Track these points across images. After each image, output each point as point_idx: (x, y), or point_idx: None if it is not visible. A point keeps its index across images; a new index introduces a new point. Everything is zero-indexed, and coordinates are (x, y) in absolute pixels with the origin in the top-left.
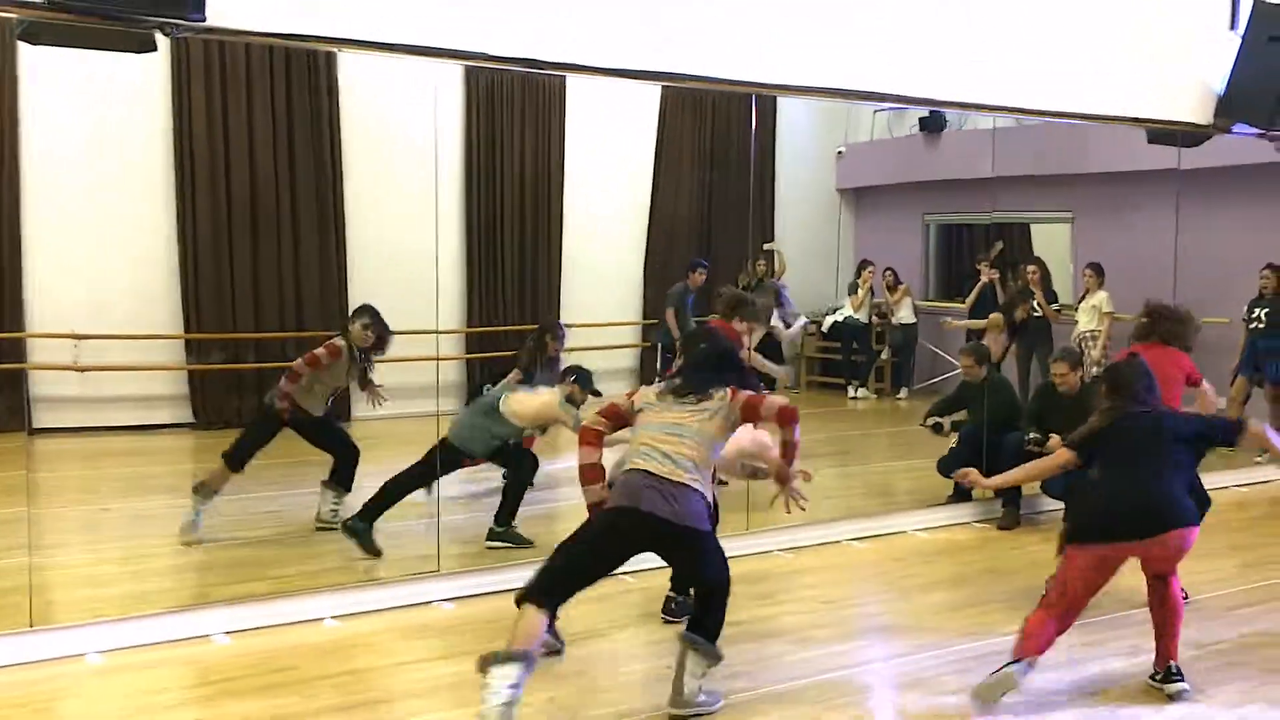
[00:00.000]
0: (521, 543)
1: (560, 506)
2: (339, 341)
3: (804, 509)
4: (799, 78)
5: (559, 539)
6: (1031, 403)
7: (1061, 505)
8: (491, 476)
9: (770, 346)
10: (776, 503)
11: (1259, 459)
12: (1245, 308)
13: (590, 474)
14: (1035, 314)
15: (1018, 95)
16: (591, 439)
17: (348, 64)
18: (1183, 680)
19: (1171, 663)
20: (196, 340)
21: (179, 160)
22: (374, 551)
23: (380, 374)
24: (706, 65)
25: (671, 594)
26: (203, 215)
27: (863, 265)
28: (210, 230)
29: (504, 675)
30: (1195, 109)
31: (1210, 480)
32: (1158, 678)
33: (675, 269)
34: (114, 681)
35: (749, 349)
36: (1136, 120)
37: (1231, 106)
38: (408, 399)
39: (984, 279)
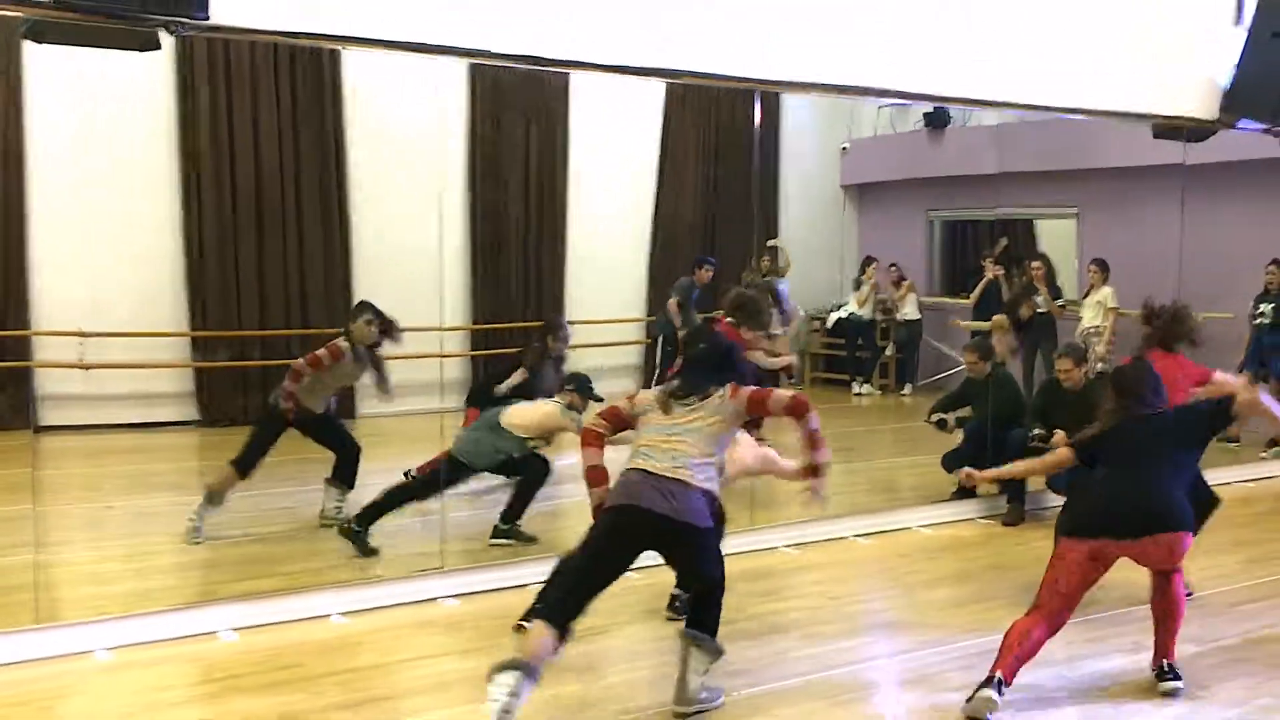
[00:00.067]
0: (525, 540)
1: (563, 504)
2: (341, 343)
3: (823, 506)
4: (803, 74)
5: (562, 536)
6: (1036, 399)
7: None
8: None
9: None
10: (795, 497)
11: (1264, 454)
12: (1251, 303)
13: (594, 476)
14: (1040, 310)
15: (1022, 91)
16: (593, 440)
17: (352, 62)
18: (1178, 679)
19: (1165, 661)
20: (202, 338)
21: (184, 158)
22: (368, 552)
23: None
24: (710, 62)
25: (676, 591)
26: (208, 213)
27: (867, 262)
28: (215, 228)
29: (504, 683)
30: (1200, 104)
31: (1216, 476)
32: (1155, 674)
33: (679, 266)
34: (120, 678)
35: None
36: (1141, 115)
37: (1237, 101)
38: (412, 396)
39: (988, 275)
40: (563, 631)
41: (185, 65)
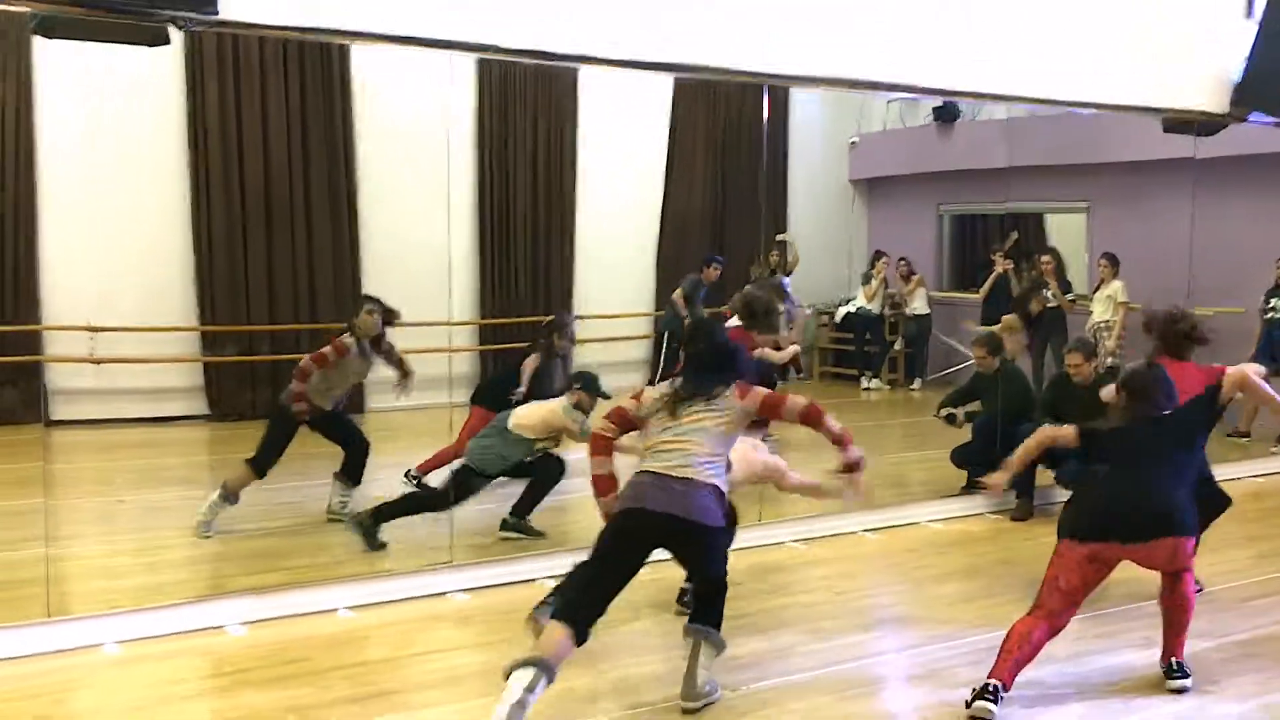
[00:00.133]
0: (534, 535)
1: (571, 499)
2: (346, 339)
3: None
4: (811, 68)
5: (570, 531)
6: (1045, 393)
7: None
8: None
9: None
10: (832, 490)
11: (1275, 449)
12: (1262, 297)
13: (602, 485)
14: (1050, 304)
15: (1031, 85)
16: (602, 448)
17: (361, 57)
18: (1186, 677)
19: (1174, 659)
20: (211, 332)
21: (193, 153)
22: (376, 546)
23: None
24: (718, 56)
25: (686, 585)
26: (217, 208)
27: (876, 256)
28: (224, 223)
29: (520, 678)
30: (1211, 98)
31: (1226, 471)
32: (1163, 671)
33: (687, 260)
34: (130, 672)
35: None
36: (1152, 109)
37: (1248, 95)
38: (421, 391)
39: (998, 269)
40: (579, 633)
41: (194, 60)
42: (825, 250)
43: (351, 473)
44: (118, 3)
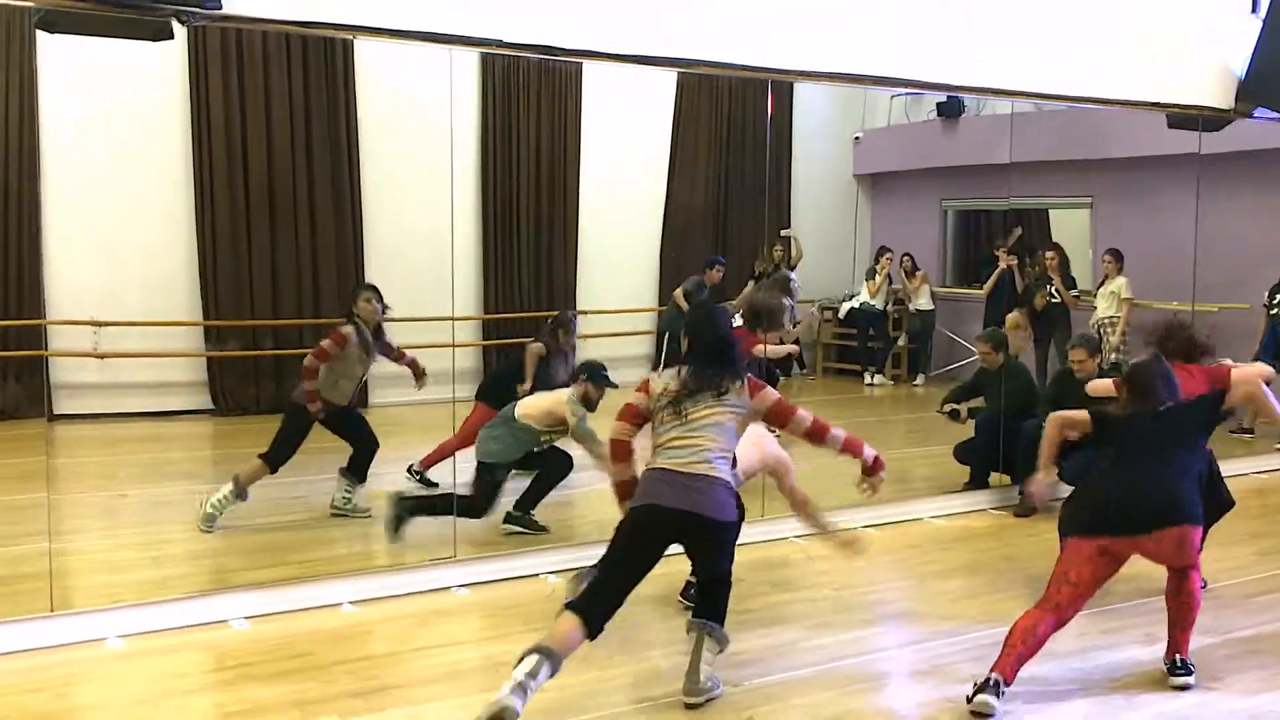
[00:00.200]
0: (537, 529)
1: (575, 494)
2: (344, 329)
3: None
4: (815, 63)
5: (575, 526)
6: (1049, 389)
7: None
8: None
9: None
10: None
11: (1279, 446)
12: (1266, 293)
13: (624, 490)
14: (1054, 300)
15: (1036, 80)
16: (623, 454)
17: (364, 52)
18: (1189, 674)
19: (1178, 655)
20: (215, 327)
21: (197, 148)
22: (396, 537)
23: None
24: (722, 51)
25: (691, 579)
26: (220, 202)
27: (881, 251)
28: (228, 217)
29: (523, 664)
30: (1216, 93)
31: (1230, 468)
32: (1166, 667)
33: (691, 255)
34: (134, 666)
35: (766, 345)
36: (1156, 105)
37: (1253, 91)
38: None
39: (1002, 265)
40: (591, 627)
41: (197, 55)
42: (829, 245)
43: (357, 470)
44: None
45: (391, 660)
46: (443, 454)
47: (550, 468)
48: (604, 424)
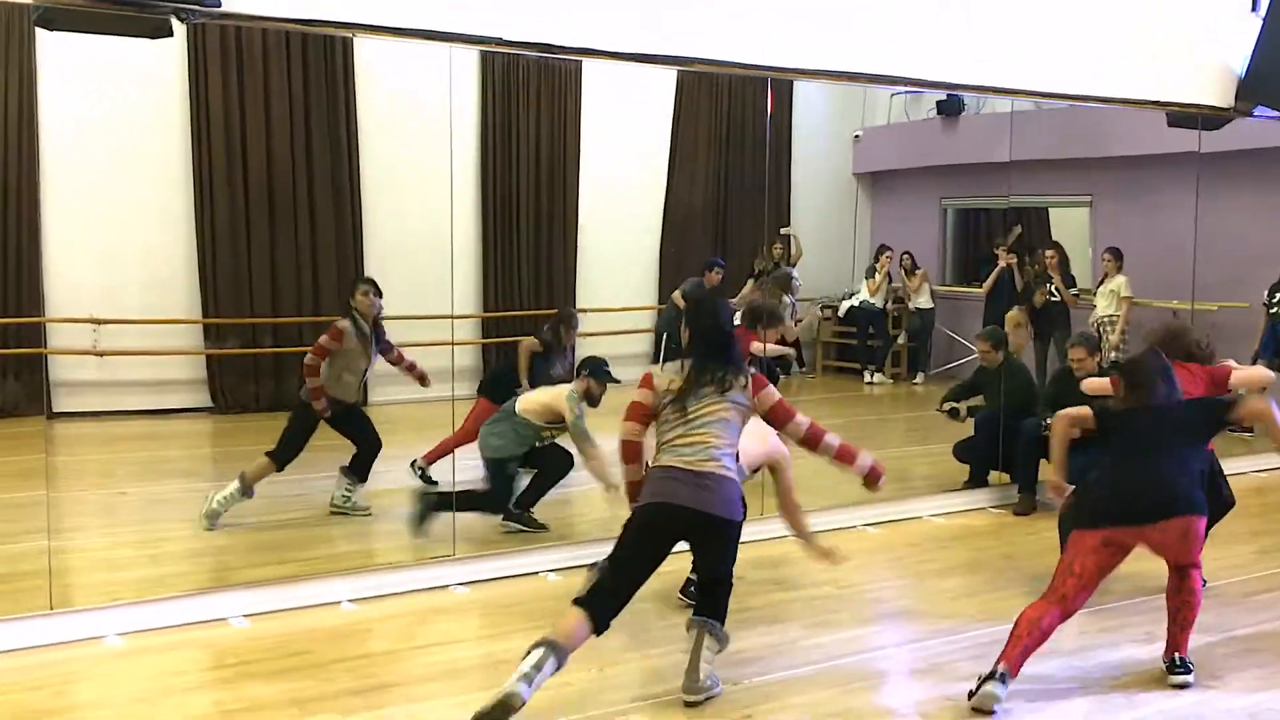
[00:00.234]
0: (536, 528)
1: (574, 492)
2: (340, 324)
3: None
4: (814, 61)
5: (574, 524)
6: (1048, 387)
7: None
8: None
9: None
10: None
11: None
12: (1266, 292)
13: (635, 491)
14: (1053, 299)
15: (1035, 79)
16: (634, 455)
17: (364, 49)
18: (1188, 673)
19: (1178, 654)
20: (214, 325)
21: (196, 145)
22: (420, 532)
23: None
24: (722, 49)
25: (692, 576)
26: (220, 200)
27: (881, 250)
28: (227, 215)
29: (530, 657)
30: (1216, 92)
31: (1230, 466)
32: (1165, 666)
33: (691, 253)
34: (133, 664)
35: (764, 344)
36: (1156, 103)
37: (1252, 89)
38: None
39: (1001, 263)
40: (598, 622)
41: (197, 53)
42: (828, 244)
43: (359, 469)
44: None
45: (390, 658)
46: (444, 450)
47: (551, 465)
48: (605, 422)
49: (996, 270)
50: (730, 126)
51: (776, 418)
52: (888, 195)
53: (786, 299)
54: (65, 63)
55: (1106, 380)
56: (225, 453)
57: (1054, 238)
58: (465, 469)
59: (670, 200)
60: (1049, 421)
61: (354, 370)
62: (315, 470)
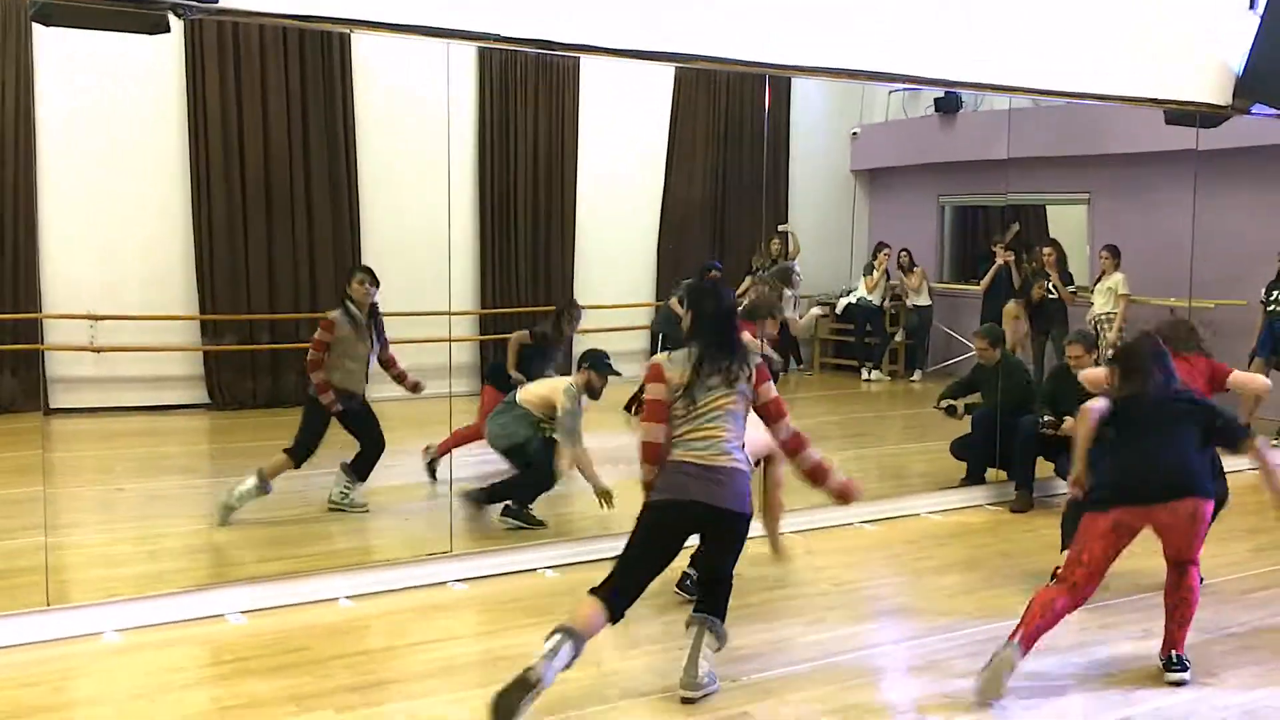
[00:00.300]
0: (534, 524)
1: (572, 489)
2: (331, 314)
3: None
4: (813, 58)
5: (572, 520)
6: (1045, 385)
7: None
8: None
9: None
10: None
11: (1275, 442)
12: (1263, 290)
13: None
14: (1051, 296)
15: (1034, 76)
16: (655, 456)
17: (361, 45)
18: (1184, 670)
19: (1175, 652)
20: (211, 321)
21: (193, 141)
22: (480, 517)
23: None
24: (720, 46)
25: (690, 570)
26: (217, 196)
27: (879, 247)
28: (225, 211)
29: (548, 643)
30: (1214, 90)
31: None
32: (1162, 663)
33: (688, 250)
34: (130, 660)
35: (761, 338)
36: (1154, 101)
37: (1250, 87)
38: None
39: (999, 261)
40: (613, 610)
41: (194, 49)
42: (826, 241)
43: (360, 469)
44: None
45: (388, 655)
46: (457, 441)
47: (551, 461)
48: (606, 419)
49: (994, 268)
50: (728, 123)
51: (769, 413)
52: (886, 192)
53: (788, 292)
54: (62, 58)
55: (1103, 371)
56: (223, 449)
57: (1051, 235)
58: (463, 465)
59: (668, 197)
60: (1047, 419)
61: (354, 358)
62: (314, 467)
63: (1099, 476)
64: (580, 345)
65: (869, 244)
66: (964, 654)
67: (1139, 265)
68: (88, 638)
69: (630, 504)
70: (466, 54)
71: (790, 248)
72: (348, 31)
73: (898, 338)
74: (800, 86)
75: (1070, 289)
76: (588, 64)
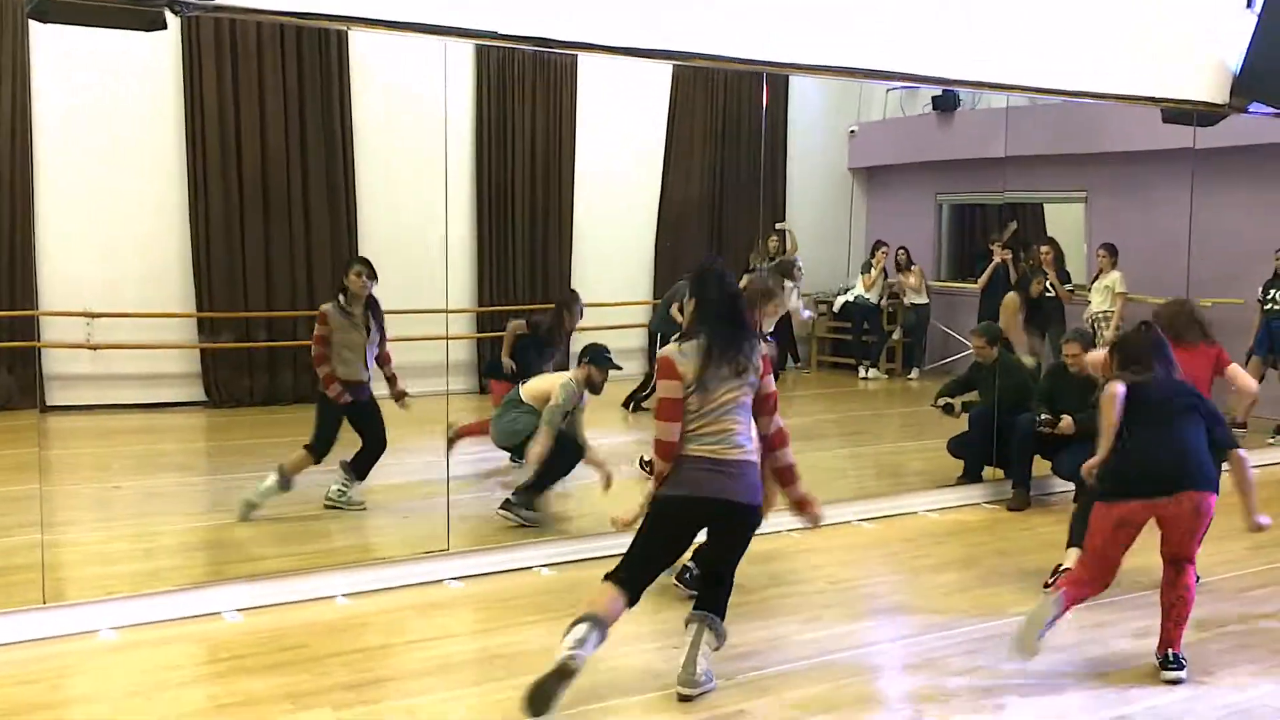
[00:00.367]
0: (531, 522)
1: (574, 487)
2: (323, 307)
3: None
4: (810, 56)
5: (568, 518)
6: (1043, 383)
7: (1071, 486)
8: (501, 455)
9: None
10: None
11: (1271, 440)
12: (1260, 289)
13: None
14: (1048, 294)
15: (1031, 75)
16: (668, 454)
17: (359, 43)
18: (1181, 669)
19: (1171, 650)
20: (208, 319)
21: (190, 139)
22: (535, 520)
23: (391, 352)
24: (718, 44)
25: (690, 564)
26: (214, 194)
27: (876, 246)
28: (222, 209)
29: (573, 632)
30: (1211, 88)
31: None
32: (1158, 661)
33: (686, 248)
34: (126, 658)
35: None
36: (1151, 100)
37: (1247, 86)
38: (418, 378)
39: (996, 259)
40: (631, 595)
41: (191, 46)
42: (824, 239)
43: (359, 467)
44: None
45: (385, 653)
46: (471, 431)
47: (556, 460)
48: (607, 416)
49: (991, 266)
50: (726, 121)
51: (765, 406)
52: (883, 190)
53: (788, 284)
54: (60, 55)
55: (1104, 353)
56: (219, 447)
57: (1049, 233)
58: (462, 463)
59: (665, 195)
60: (1044, 417)
61: (352, 347)
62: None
63: (1107, 469)
64: (577, 343)
65: (866, 242)
66: (960, 652)
67: (1136, 264)
68: (84, 635)
69: (629, 504)
70: (464, 52)
71: (787, 246)
72: (345, 29)
73: (895, 336)
74: (798, 84)
75: (1067, 288)
76: (585, 62)
